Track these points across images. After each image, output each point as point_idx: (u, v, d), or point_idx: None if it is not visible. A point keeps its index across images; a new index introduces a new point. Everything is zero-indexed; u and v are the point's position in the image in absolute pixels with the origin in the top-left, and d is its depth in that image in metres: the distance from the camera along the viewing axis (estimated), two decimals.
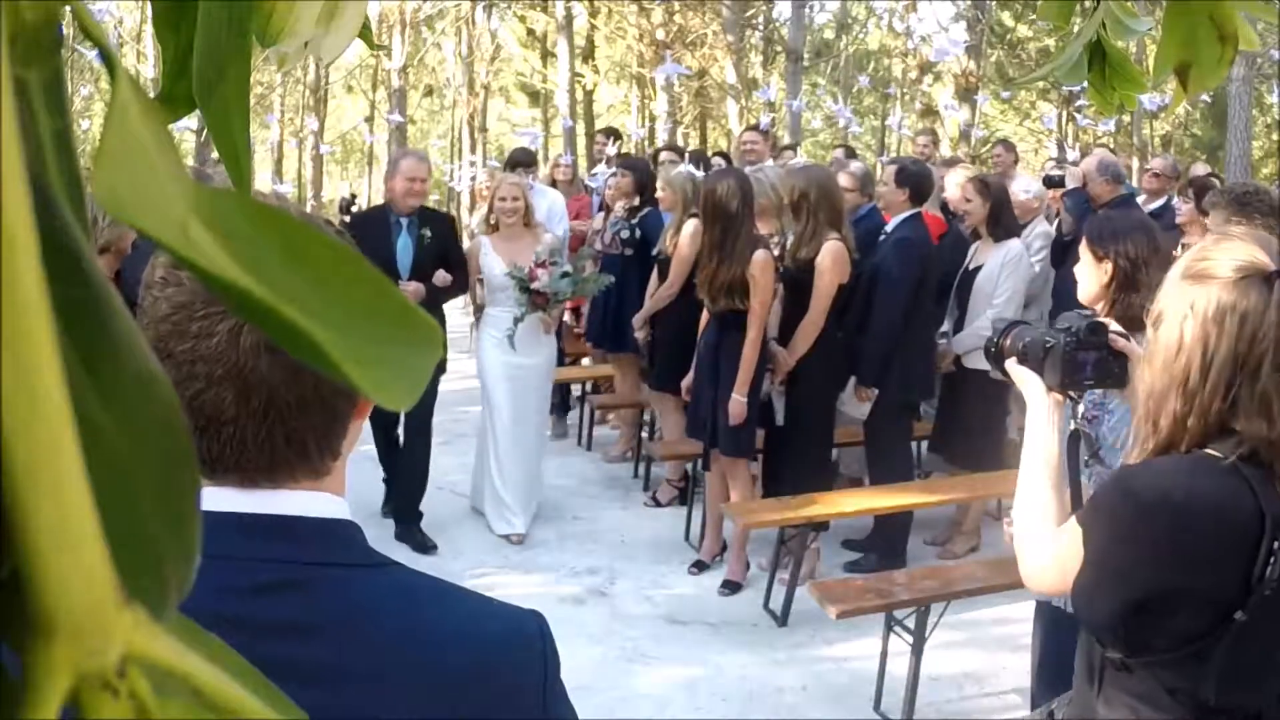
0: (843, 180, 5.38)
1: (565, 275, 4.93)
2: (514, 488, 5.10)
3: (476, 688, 0.83)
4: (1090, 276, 2.70)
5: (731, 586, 4.63)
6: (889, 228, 4.81)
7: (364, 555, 0.85)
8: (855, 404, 4.80)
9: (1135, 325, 2.64)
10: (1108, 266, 2.65)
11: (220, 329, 0.78)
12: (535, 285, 4.82)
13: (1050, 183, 5.13)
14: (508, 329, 4.93)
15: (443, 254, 4.91)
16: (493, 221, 5.07)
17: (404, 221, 4.86)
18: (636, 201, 6.16)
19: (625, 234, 6.10)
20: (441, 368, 4.05)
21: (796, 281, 4.60)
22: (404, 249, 4.85)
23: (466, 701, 0.81)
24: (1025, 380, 1.91)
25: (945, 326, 5.06)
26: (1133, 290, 2.63)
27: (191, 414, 0.79)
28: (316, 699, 0.76)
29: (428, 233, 4.85)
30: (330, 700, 0.78)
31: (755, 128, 8.09)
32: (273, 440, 0.81)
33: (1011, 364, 1.95)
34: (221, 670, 0.22)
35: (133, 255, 4.33)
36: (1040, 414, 1.87)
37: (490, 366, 5.11)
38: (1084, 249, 2.73)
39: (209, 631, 0.68)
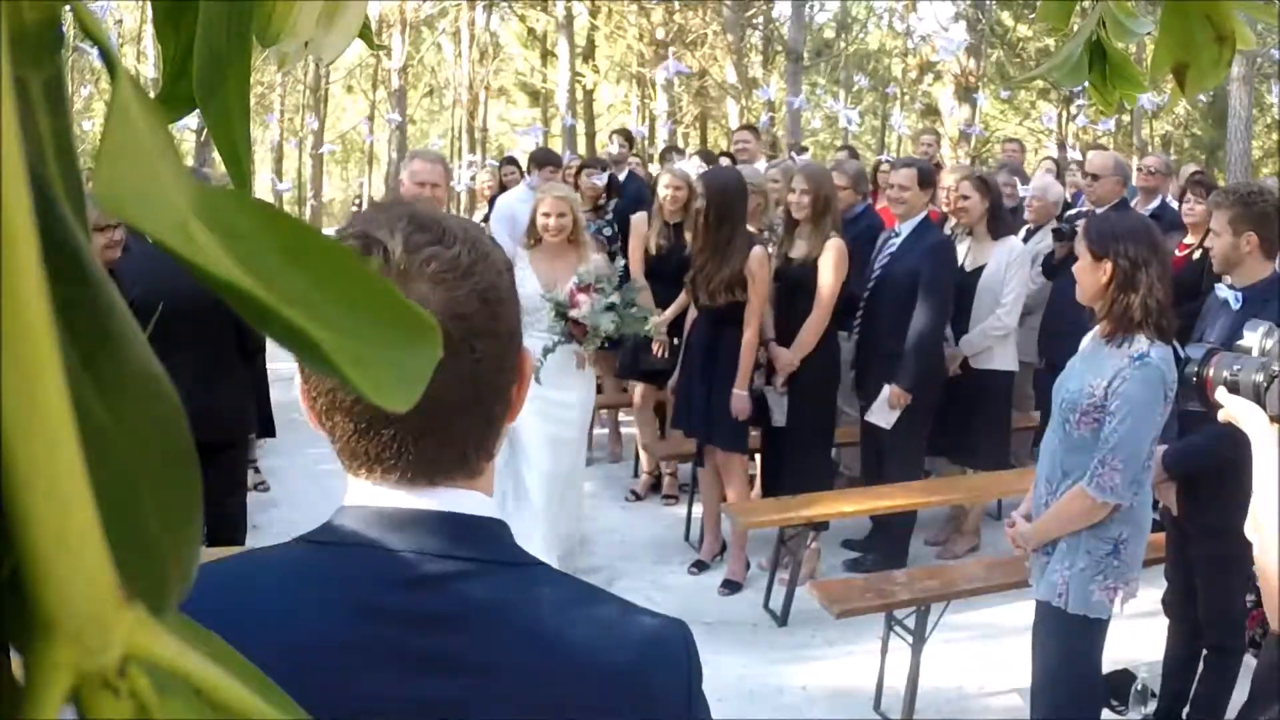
0: (836, 179, 5.38)
1: (610, 307, 4.17)
2: (546, 545, 4.20)
3: (618, 691, 0.84)
4: (1089, 276, 2.71)
5: (731, 586, 4.63)
6: (904, 229, 4.75)
7: (512, 553, 0.87)
8: (885, 412, 4.65)
9: (1134, 326, 2.67)
10: (1107, 266, 2.66)
11: None
12: (574, 313, 4.15)
13: (1060, 236, 5.08)
14: (536, 359, 4.24)
15: None
16: (534, 236, 4.42)
17: None
18: (603, 200, 6.23)
19: (607, 231, 6.11)
20: None
21: (797, 281, 4.59)
22: None
23: (608, 704, 0.83)
24: (1246, 413, 1.80)
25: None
26: (1132, 290, 2.64)
27: (353, 416, 0.83)
28: (463, 690, 0.80)
29: None
30: (475, 693, 0.80)
31: (748, 127, 8.10)
32: (432, 442, 0.83)
33: (1223, 394, 1.86)
34: (222, 669, 0.22)
35: (129, 255, 4.34)
36: (1269, 448, 1.74)
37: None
38: (1082, 249, 2.74)
39: (366, 620, 0.72)
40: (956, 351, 4.91)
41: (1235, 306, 3.22)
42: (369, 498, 0.85)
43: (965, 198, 4.86)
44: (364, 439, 0.83)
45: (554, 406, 4.23)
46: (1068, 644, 2.84)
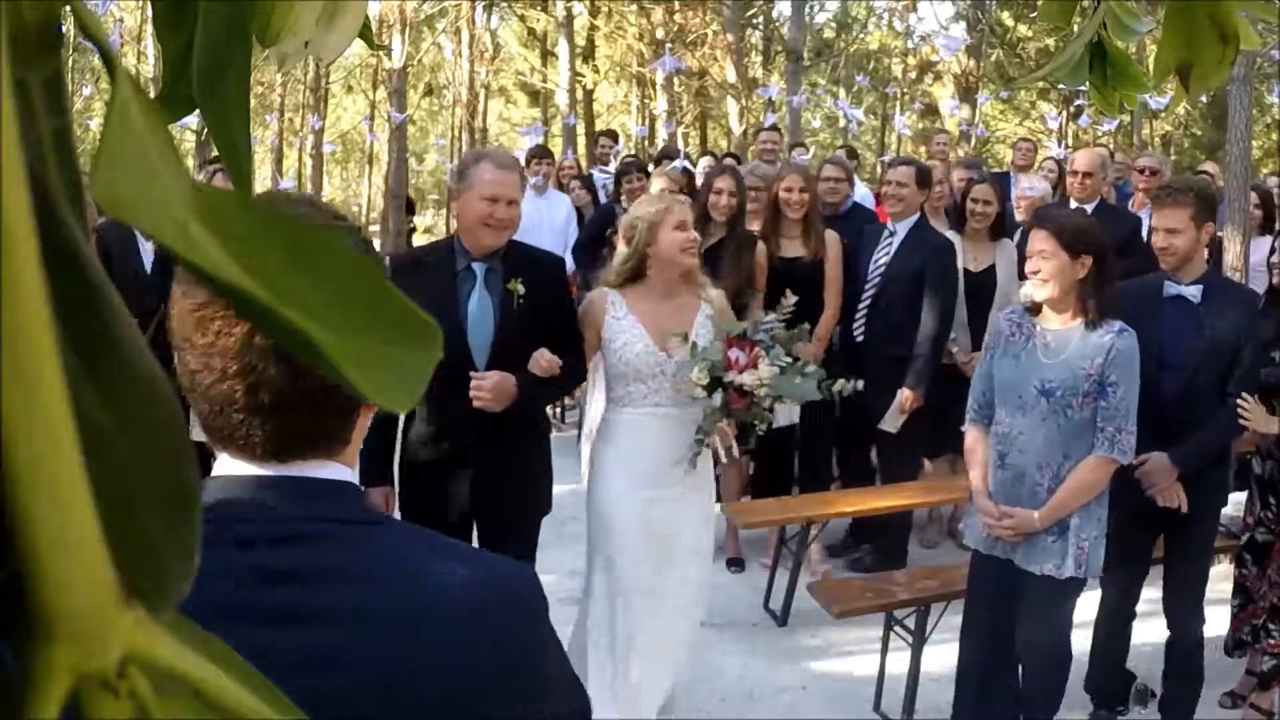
0: (830, 170, 5.37)
1: (788, 366, 2.97)
2: (646, 681, 3.12)
3: (473, 632, 0.88)
4: (1063, 274, 2.83)
5: (736, 564, 4.74)
6: (900, 228, 4.74)
7: (358, 512, 0.93)
8: (895, 418, 4.60)
9: (1109, 310, 2.84)
10: (1086, 261, 2.82)
11: (238, 331, 0.86)
12: (737, 379, 2.92)
13: None
14: (691, 449, 3.01)
15: (545, 322, 2.96)
16: (626, 265, 3.13)
17: (480, 269, 2.96)
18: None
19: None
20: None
21: (806, 278, 4.61)
22: (479, 313, 2.94)
23: (453, 651, 0.87)
24: None
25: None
26: (1107, 282, 2.86)
27: (207, 400, 0.90)
28: (325, 643, 0.83)
29: (520, 288, 2.93)
30: (339, 644, 0.84)
31: (773, 128, 8.12)
32: (280, 430, 0.90)
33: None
34: (221, 670, 0.22)
35: (125, 246, 4.34)
36: None
37: (611, 506, 3.08)
38: (1052, 247, 2.82)
39: (218, 579, 0.71)
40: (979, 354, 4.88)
41: (1195, 301, 3.23)
42: (228, 469, 0.92)
43: (987, 203, 4.90)
44: (218, 418, 0.90)
45: (663, 509, 3.06)
46: (1069, 608, 3.01)
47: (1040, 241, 2.85)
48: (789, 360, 2.96)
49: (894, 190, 4.70)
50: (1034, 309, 2.96)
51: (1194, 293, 3.24)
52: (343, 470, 0.93)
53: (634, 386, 3.05)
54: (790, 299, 3.07)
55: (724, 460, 3.18)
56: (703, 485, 3.18)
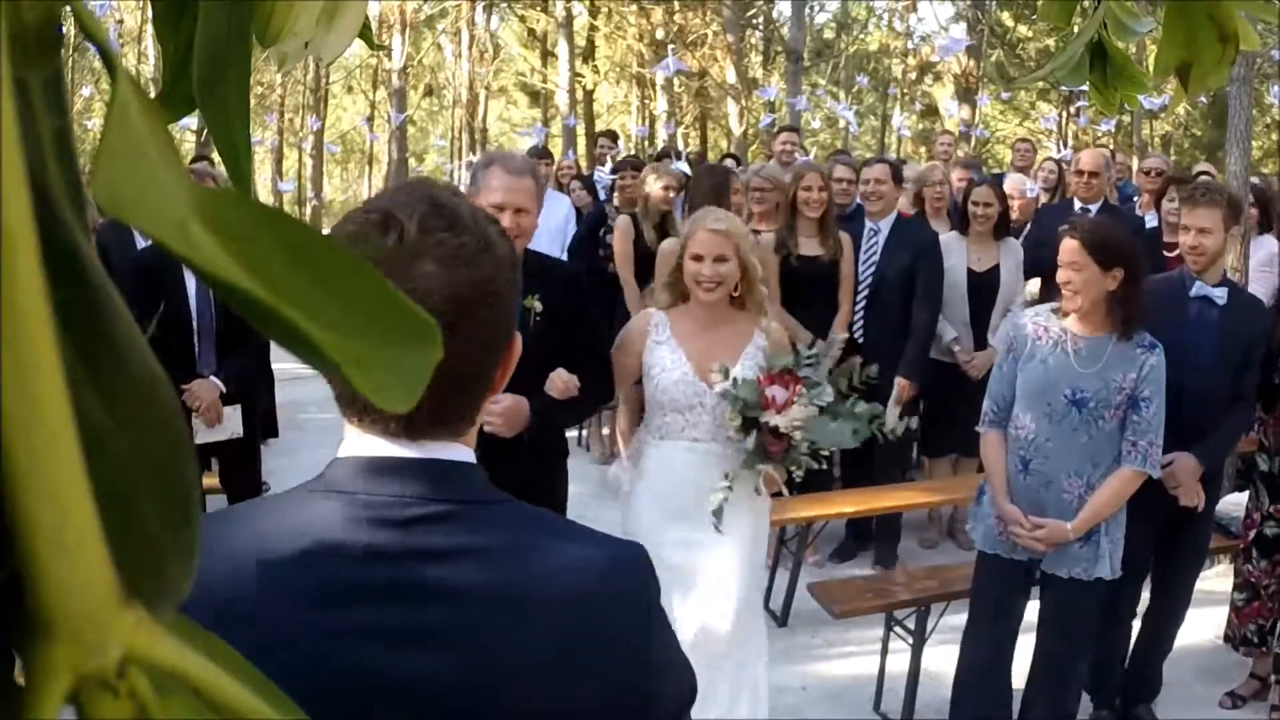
0: (841, 171, 5.39)
1: (832, 405, 2.68)
2: None
3: (591, 610, 0.93)
4: (1093, 285, 2.81)
5: None
6: (883, 226, 4.78)
7: (486, 493, 0.97)
8: (893, 411, 4.51)
9: (1137, 321, 2.83)
10: (1117, 274, 2.80)
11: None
12: (773, 420, 2.63)
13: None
14: (719, 494, 2.68)
15: (565, 338, 2.69)
16: (675, 291, 2.87)
17: None
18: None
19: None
20: None
21: (823, 278, 4.61)
22: None
23: (582, 623, 0.92)
24: None
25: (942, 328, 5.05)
26: (1140, 290, 2.85)
27: None
28: (447, 618, 0.88)
29: (536, 304, 2.69)
30: (459, 620, 0.88)
31: (792, 128, 8.13)
32: (418, 404, 0.89)
33: None
34: (221, 670, 0.22)
35: (123, 243, 4.34)
36: None
37: (647, 542, 2.27)
38: (1083, 259, 2.81)
39: (352, 560, 0.81)
40: (989, 352, 4.87)
41: (1221, 303, 3.25)
42: (357, 448, 0.94)
43: (989, 204, 4.94)
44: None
45: (702, 545, 2.79)
46: (1093, 611, 3.04)
47: (1071, 253, 2.82)
48: (834, 397, 2.66)
49: (874, 189, 4.79)
50: (1059, 311, 2.94)
51: (1219, 294, 3.27)
52: (466, 451, 0.97)
53: (671, 417, 2.80)
54: (840, 335, 2.87)
55: (760, 494, 2.83)
56: (744, 530, 2.81)
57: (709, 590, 2.79)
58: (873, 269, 4.74)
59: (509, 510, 0.97)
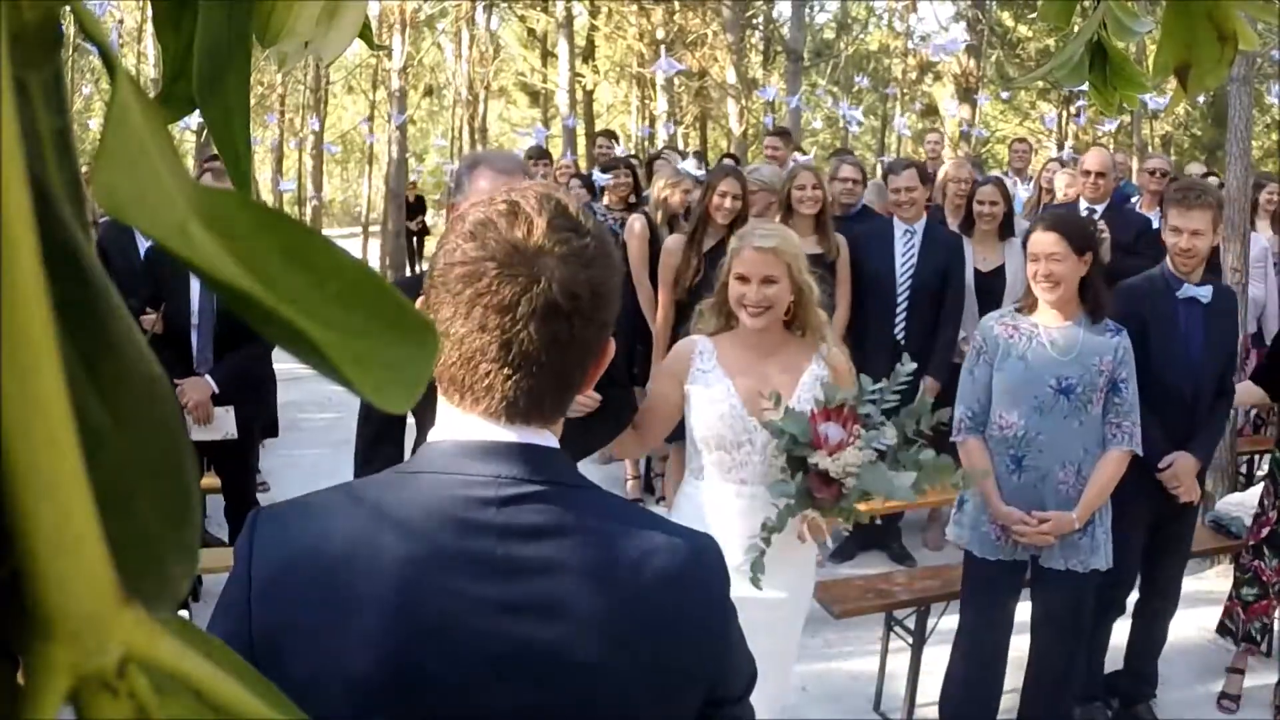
0: (847, 171, 5.39)
1: (893, 449, 2.36)
2: None
3: (674, 593, 0.99)
4: (1073, 274, 2.87)
5: None
6: (918, 228, 4.78)
7: (575, 477, 1.03)
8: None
9: (1102, 306, 2.90)
10: (1088, 258, 2.88)
11: (507, 291, 0.94)
12: (823, 463, 2.28)
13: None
14: (752, 544, 2.29)
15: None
16: (712, 306, 2.60)
17: None
18: (632, 198, 6.13)
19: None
20: None
21: (823, 278, 4.61)
22: None
23: (667, 605, 0.99)
24: None
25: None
26: (1100, 276, 2.95)
27: (458, 349, 0.97)
28: (552, 589, 0.94)
29: None
30: (562, 591, 0.95)
31: (779, 132, 8.12)
32: (518, 386, 0.97)
33: None
34: (221, 670, 0.22)
35: (122, 242, 4.32)
36: None
37: None
38: (1064, 250, 2.86)
39: (460, 535, 0.89)
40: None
41: (1206, 302, 3.26)
42: (454, 430, 0.99)
43: (994, 203, 4.98)
44: (463, 368, 0.97)
45: (748, 608, 2.05)
46: (1089, 604, 3.06)
47: (1052, 244, 2.85)
48: (896, 441, 2.33)
49: (905, 195, 4.76)
50: (1023, 309, 2.97)
51: (1205, 294, 3.29)
52: (553, 439, 1.02)
53: (716, 455, 2.46)
54: (908, 365, 2.39)
55: (805, 541, 2.46)
56: (781, 591, 2.43)
57: (771, 642, 2.40)
58: (911, 271, 4.73)
59: (596, 495, 1.03)
